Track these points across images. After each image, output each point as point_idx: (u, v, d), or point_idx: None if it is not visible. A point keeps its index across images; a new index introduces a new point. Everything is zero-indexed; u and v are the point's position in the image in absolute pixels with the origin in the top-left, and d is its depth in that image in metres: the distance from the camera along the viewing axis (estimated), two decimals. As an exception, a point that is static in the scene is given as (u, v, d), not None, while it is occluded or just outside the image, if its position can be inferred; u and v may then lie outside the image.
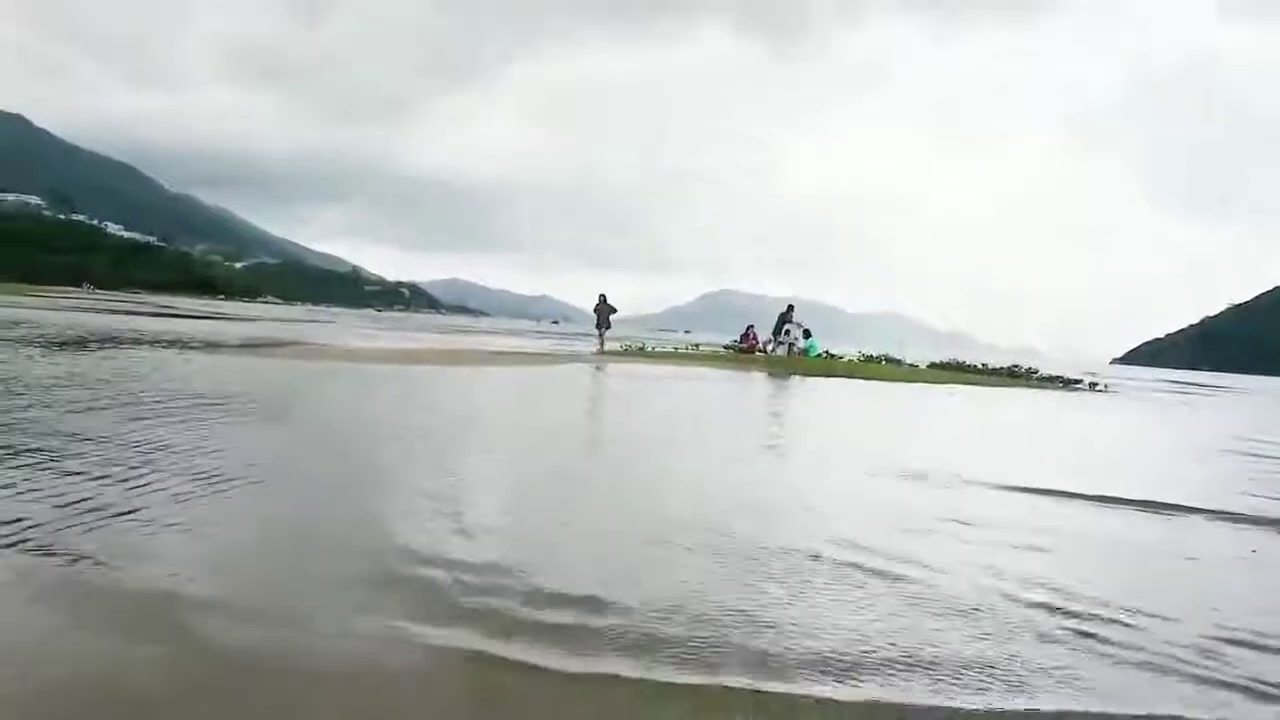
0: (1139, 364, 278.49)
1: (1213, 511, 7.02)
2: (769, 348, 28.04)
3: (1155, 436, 14.71)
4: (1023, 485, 7.53)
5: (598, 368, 21.31)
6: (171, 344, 17.95)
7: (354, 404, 10.61)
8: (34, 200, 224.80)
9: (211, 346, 18.31)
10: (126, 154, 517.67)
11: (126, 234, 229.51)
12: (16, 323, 22.51)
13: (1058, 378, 30.48)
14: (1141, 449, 12.44)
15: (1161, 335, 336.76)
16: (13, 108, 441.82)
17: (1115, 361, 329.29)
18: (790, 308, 27.66)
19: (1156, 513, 6.86)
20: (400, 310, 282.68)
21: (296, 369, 14.36)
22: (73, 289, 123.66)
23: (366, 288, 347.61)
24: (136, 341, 18.01)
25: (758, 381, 20.09)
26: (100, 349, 15.22)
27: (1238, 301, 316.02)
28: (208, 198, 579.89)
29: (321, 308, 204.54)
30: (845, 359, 30.84)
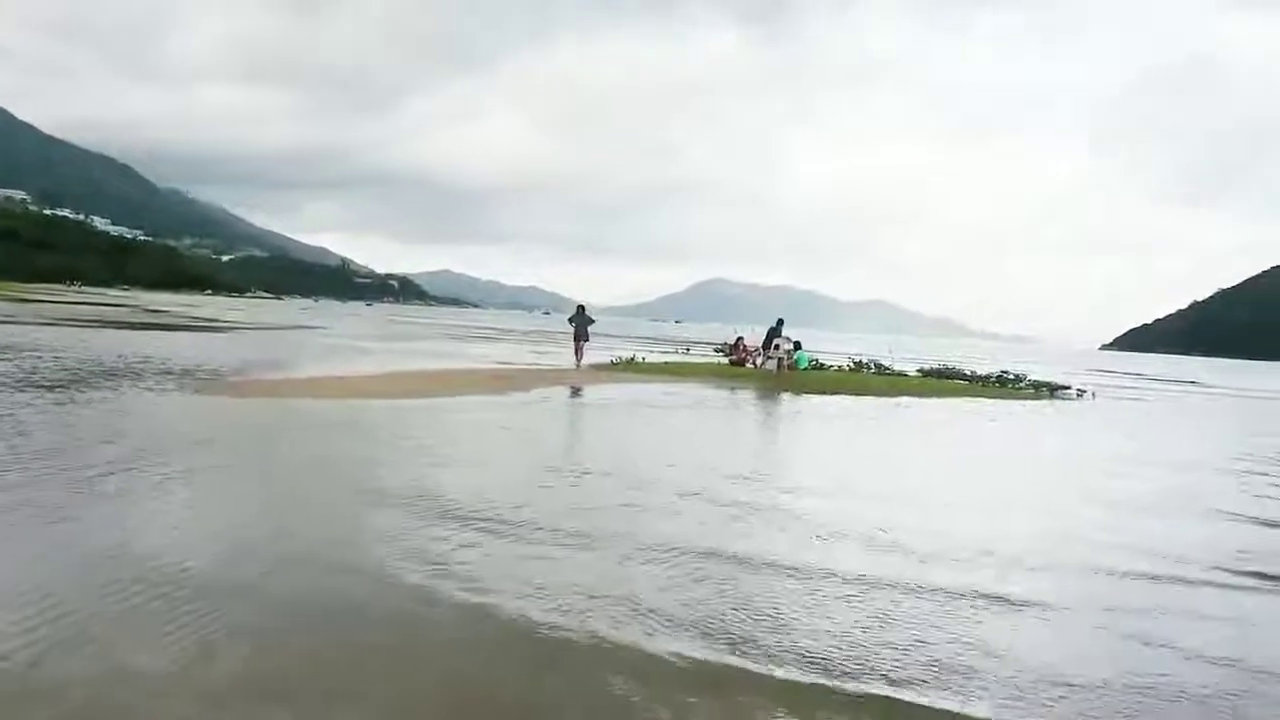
0: (1129, 349, 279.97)
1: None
2: (759, 360, 28.10)
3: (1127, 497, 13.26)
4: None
5: (573, 392, 20.64)
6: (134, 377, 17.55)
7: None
8: (19, 196, 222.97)
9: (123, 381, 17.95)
10: (113, 149, 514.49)
11: (114, 230, 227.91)
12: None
13: (1044, 384, 30.59)
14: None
15: (1150, 321, 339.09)
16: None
17: (1105, 347, 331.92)
18: (780, 321, 28.12)
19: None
20: (390, 302, 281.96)
21: (201, 423, 14.08)
22: (59, 286, 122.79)
23: (356, 280, 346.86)
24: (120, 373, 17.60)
25: (747, 412, 19.54)
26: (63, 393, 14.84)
27: (1225, 287, 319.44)
28: (196, 192, 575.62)
29: (310, 300, 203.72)
30: (833, 368, 30.86)
